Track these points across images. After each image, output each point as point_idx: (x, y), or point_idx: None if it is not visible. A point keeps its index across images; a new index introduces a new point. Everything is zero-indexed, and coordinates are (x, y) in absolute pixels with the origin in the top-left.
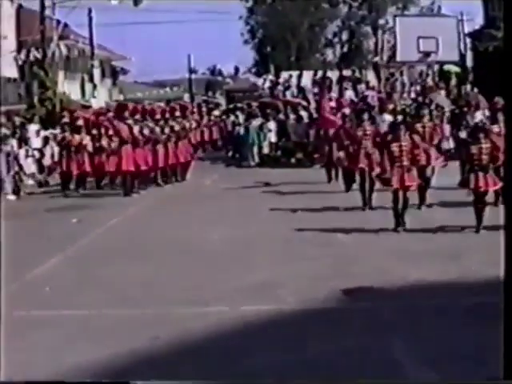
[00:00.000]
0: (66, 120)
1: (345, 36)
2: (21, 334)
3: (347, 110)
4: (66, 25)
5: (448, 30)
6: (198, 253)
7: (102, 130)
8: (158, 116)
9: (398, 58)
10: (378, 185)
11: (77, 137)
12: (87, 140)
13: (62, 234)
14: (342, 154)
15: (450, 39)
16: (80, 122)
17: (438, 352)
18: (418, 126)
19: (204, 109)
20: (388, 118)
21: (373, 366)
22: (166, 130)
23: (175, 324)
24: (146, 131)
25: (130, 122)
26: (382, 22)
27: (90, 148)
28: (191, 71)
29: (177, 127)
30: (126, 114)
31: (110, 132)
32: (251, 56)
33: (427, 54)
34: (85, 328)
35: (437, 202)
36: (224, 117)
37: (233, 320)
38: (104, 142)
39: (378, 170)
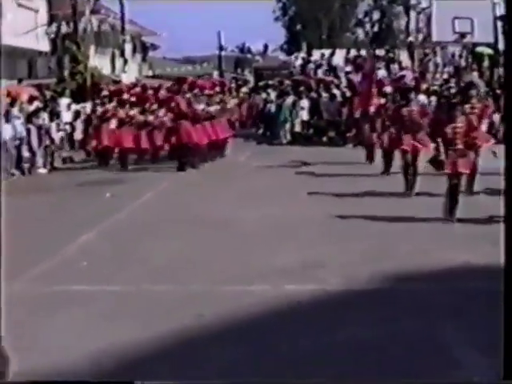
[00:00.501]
0: (105, 93)
1: (376, 15)
2: (60, 309)
3: (388, 89)
4: None
5: (483, 11)
6: (237, 230)
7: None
8: (208, 91)
9: (434, 38)
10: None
11: (121, 111)
12: (136, 113)
13: (96, 209)
14: (384, 134)
15: (485, 21)
16: (125, 96)
17: (486, 336)
18: (467, 107)
19: (233, 85)
20: (422, 98)
21: (422, 351)
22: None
23: (219, 302)
24: (202, 106)
25: (188, 96)
26: (413, 1)
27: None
28: (221, 48)
29: (221, 104)
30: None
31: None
32: (281, 34)
33: (462, 35)
34: (124, 304)
35: (482, 188)
36: (253, 94)
37: (276, 300)
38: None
39: (424, 151)
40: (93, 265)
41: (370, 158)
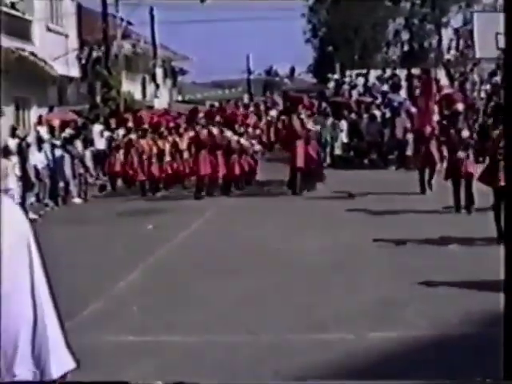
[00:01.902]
0: (130, 124)
1: (407, 34)
2: (112, 362)
3: (460, 106)
4: (129, 23)
5: None
6: (294, 265)
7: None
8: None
9: (477, 55)
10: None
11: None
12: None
13: (139, 242)
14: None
15: None
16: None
17: None
18: None
19: (262, 107)
20: None
21: None
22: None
23: (294, 355)
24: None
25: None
26: (444, 19)
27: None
28: (249, 72)
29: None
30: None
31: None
32: (309, 55)
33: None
34: (186, 357)
35: None
36: (283, 117)
37: (360, 350)
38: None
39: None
40: (144, 310)
41: (426, 185)
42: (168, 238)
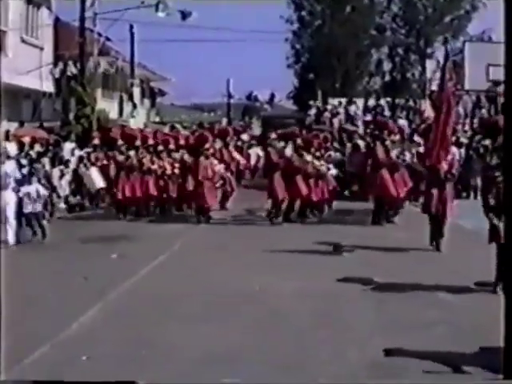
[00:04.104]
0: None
1: (390, 64)
2: None
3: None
4: (108, 39)
5: None
6: (276, 310)
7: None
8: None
9: (467, 87)
10: None
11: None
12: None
13: (101, 274)
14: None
15: None
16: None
17: None
18: None
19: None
20: (454, 150)
21: None
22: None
23: None
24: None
25: None
26: (429, 50)
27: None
28: (229, 96)
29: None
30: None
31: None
32: (290, 82)
33: (497, 83)
34: None
35: None
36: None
37: None
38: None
39: None
40: (98, 360)
41: (432, 240)
42: (132, 269)
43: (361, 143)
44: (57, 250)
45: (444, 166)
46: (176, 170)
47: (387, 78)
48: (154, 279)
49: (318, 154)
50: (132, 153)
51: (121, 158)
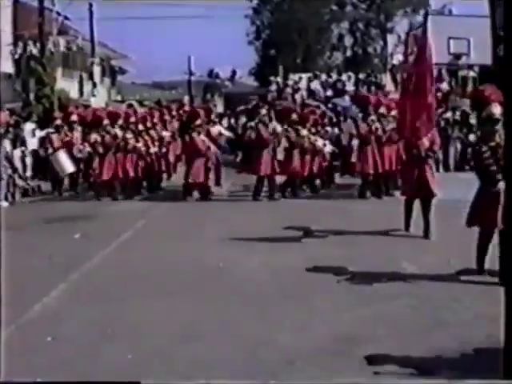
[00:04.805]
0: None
1: (351, 39)
2: None
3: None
4: (66, 18)
5: (481, 31)
6: (241, 285)
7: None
8: None
9: None
10: None
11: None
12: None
13: (64, 253)
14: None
15: (483, 41)
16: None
17: None
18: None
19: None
20: None
21: None
22: None
23: None
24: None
25: None
26: (390, 25)
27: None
28: (191, 73)
29: None
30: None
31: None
32: (251, 58)
33: (458, 56)
34: None
35: None
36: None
37: None
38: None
39: None
40: (64, 340)
41: (407, 222)
42: (96, 248)
43: None
44: (19, 230)
45: (425, 142)
46: (156, 148)
47: (349, 53)
48: (117, 258)
49: (313, 129)
50: (118, 132)
51: (108, 138)
